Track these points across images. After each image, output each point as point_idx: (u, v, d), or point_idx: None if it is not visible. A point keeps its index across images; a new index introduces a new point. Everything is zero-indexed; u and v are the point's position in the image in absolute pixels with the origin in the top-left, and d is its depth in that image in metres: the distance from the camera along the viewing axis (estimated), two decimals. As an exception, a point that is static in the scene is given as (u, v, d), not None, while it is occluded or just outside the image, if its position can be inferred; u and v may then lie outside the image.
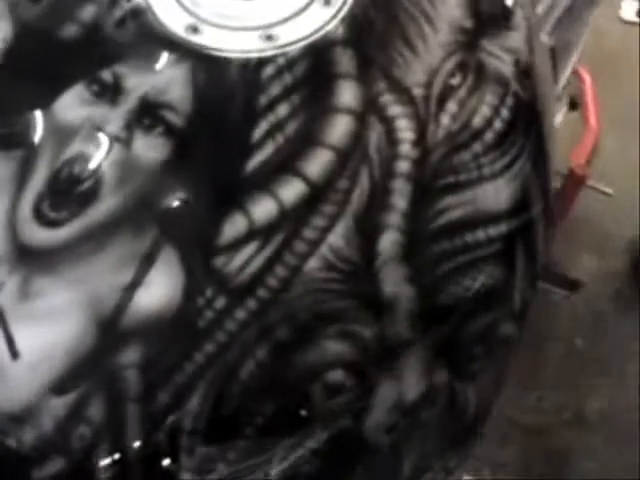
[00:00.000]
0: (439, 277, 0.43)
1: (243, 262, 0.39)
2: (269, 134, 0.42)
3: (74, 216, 0.40)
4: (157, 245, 0.40)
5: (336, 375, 0.40)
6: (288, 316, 0.39)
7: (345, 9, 0.44)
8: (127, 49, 0.43)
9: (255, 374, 0.39)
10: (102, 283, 0.39)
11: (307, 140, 0.42)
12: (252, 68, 0.42)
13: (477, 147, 0.45)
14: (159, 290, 0.39)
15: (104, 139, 0.42)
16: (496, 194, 0.45)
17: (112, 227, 0.40)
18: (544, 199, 0.50)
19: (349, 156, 0.42)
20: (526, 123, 0.47)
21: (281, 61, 0.43)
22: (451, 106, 0.44)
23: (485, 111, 0.45)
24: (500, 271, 0.45)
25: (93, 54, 0.43)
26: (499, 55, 0.47)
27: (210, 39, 0.43)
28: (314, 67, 0.43)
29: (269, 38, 0.43)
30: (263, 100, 0.42)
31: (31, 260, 0.40)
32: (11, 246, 0.40)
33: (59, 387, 0.37)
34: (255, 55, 0.43)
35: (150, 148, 0.41)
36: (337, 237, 0.41)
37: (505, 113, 0.46)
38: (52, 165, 0.42)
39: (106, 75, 0.42)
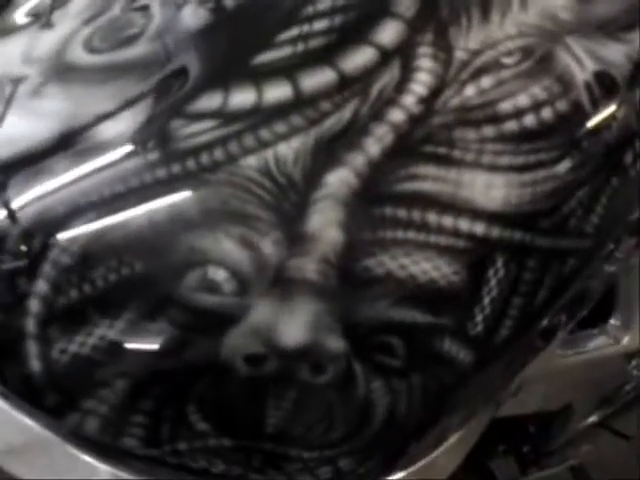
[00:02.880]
0: (376, 240, 0.38)
1: (193, 132, 0.40)
2: (293, 40, 0.41)
3: (110, 50, 0.44)
4: (145, 94, 0.42)
5: (218, 273, 0.38)
6: (200, 196, 0.39)
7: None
8: None
9: (143, 230, 0.38)
10: (87, 106, 0.42)
11: (321, 58, 0.41)
12: None
13: (489, 131, 0.39)
14: (118, 128, 0.41)
15: (172, 2, 0.45)
16: (487, 188, 0.39)
17: (127, 69, 0.43)
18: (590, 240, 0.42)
19: (349, 85, 0.40)
20: (581, 141, 0.40)
21: None
22: (485, 81, 0.39)
23: (522, 100, 0.39)
24: (456, 273, 0.39)
25: None
26: (580, 58, 0.40)
27: None
28: None
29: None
30: (308, 10, 0.42)
31: (59, 71, 0.45)
32: (55, 58, 0.45)
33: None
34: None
35: (193, 17, 0.44)
36: (288, 149, 0.39)
37: (548, 113, 0.39)
38: (122, 9, 0.46)
39: None
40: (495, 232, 0.39)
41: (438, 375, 0.41)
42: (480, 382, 0.44)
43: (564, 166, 0.40)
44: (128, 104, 0.41)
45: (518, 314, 0.41)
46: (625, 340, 0.76)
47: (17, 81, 0.44)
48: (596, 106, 0.41)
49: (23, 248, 0.40)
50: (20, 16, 0.51)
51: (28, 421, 0.43)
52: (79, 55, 0.45)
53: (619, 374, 0.89)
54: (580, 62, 0.41)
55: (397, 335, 0.39)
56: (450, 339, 0.40)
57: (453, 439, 0.51)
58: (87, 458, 0.44)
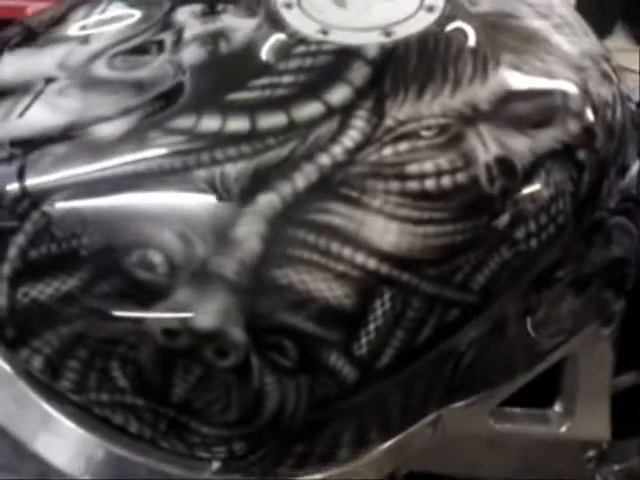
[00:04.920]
0: (286, 255, 0.47)
1: (164, 143, 0.50)
2: (263, 87, 0.52)
3: (125, 70, 0.55)
4: (139, 107, 0.52)
5: (156, 256, 0.47)
6: (155, 193, 0.48)
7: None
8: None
9: (107, 211, 0.48)
10: (93, 109, 0.53)
11: (280, 105, 0.51)
12: (293, 42, 0.53)
13: (394, 185, 0.47)
14: (110, 130, 0.51)
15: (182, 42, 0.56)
16: (383, 232, 0.47)
17: (133, 85, 0.54)
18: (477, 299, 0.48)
19: (294, 129, 0.49)
20: (474, 210, 0.48)
21: (312, 47, 0.53)
22: (402, 145, 0.48)
23: (427, 166, 0.48)
24: (347, 297, 0.46)
25: None
26: (487, 142, 0.48)
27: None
28: (332, 64, 0.53)
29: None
30: (281, 66, 0.52)
31: (83, 79, 0.56)
32: (83, 68, 0.57)
33: None
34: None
35: (194, 54, 0.55)
36: (233, 169, 0.48)
37: (447, 181, 0.47)
38: (143, 40, 0.57)
39: None
40: (384, 269, 0.47)
41: (324, 383, 0.48)
42: (366, 403, 0.51)
43: (454, 227, 0.48)
44: (124, 112, 0.52)
45: (400, 345, 0.48)
46: (563, 428, 0.80)
47: (48, 81, 0.55)
48: (492, 184, 0.48)
49: (20, 209, 0.50)
50: (74, 29, 0.63)
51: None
52: (101, 69, 0.56)
53: (564, 466, 0.92)
54: (486, 145, 0.49)
55: (291, 339, 0.47)
56: (337, 353, 0.48)
57: (349, 467, 0.57)
58: (34, 396, 0.53)
